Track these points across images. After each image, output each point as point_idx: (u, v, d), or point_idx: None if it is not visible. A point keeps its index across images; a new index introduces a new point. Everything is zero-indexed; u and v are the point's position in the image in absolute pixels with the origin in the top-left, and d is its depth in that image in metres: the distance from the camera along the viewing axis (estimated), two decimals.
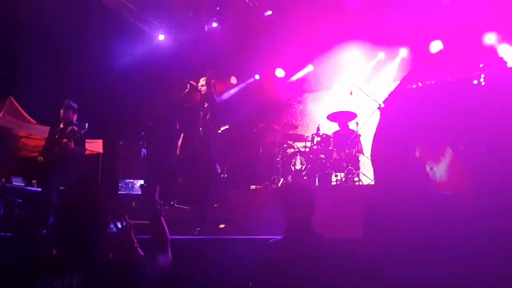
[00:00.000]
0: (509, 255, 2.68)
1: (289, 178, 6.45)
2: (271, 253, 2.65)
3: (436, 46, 8.40)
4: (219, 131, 6.05)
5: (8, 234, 4.48)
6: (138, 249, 2.19)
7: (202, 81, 5.66)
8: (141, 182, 2.08)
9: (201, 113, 5.55)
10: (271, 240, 2.77)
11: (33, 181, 6.40)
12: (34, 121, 8.36)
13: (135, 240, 2.19)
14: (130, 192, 7.54)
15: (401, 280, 2.80)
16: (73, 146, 5.69)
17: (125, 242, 2.17)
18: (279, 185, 6.35)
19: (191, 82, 5.59)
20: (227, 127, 7.37)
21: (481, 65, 4.63)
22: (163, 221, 2.31)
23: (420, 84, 5.61)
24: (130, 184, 7.68)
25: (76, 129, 5.87)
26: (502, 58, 7.45)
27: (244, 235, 4.30)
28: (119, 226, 2.21)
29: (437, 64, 8.02)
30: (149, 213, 2.32)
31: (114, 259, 1.97)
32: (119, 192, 7.46)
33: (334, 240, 3.01)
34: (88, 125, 5.98)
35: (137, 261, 2.02)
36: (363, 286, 2.63)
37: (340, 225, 4.41)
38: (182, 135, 5.99)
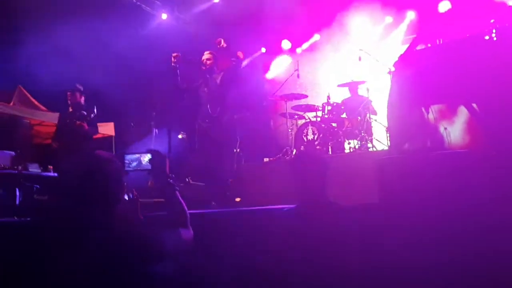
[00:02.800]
0: None
1: (302, 149, 6.43)
2: (285, 221, 2.66)
3: (444, 5, 8.21)
4: (236, 116, 6.06)
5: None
6: (143, 223, 2.16)
7: (207, 54, 5.62)
8: (149, 156, 2.06)
9: (206, 89, 5.52)
10: (285, 209, 2.77)
11: (49, 166, 6.48)
12: (44, 108, 8.40)
13: (141, 215, 2.15)
14: (138, 168, 7.47)
15: (420, 241, 2.80)
16: (86, 127, 5.73)
17: (130, 215, 2.14)
18: (293, 155, 6.35)
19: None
20: (247, 114, 7.37)
21: (492, 21, 4.51)
22: (179, 196, 2.21)
23: (429, 45, 5.50)
24: (137, 161, 7.59)
25: (85, 113, 5.90)
26: None
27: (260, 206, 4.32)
28: (126, 198, 2.18)
29: (447, 23, 7.84)
30: (162, 189, 2.22)
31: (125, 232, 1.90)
32: (126, 169, 7.37)
33: (350, 206, 3.01)
34: (96, 108, 6.01)
35: (152, 236, 1.93)
36: (381, 250, 2.63)
37: (356, 192, 4.41)
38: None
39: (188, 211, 2.22)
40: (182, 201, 2.22)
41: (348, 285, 2.29)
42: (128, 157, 7.94)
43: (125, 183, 2.06)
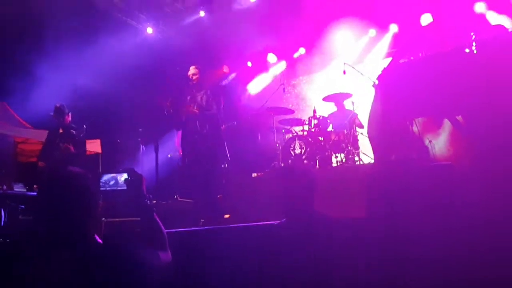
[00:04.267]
0: (508, 220, 2.70)
1: (289, 163, 6.45)
2: (274, 237, 2.66)
3: (426, 19, 8.37)
4: (223, 127, 6.04)
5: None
6: (150, 203, 2.09)
7: (193, 69, 5.63)
8: (125, 176, 2.01)
9: (195, 106, 5.52)
10: (274, 224, 2.77)
11: (34, 186, 6.39)
12: (29, 126, 8.33)
13: (146, 195, 2.08)
14: (115, 188, 7.37)
15: (407, 254, 2.82)
16: (73, 149, 5.68)
17: (135, 196, 2.09)
18: (280, 169, 6.36)
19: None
20: (234, 123, 7.37)
21: (472, 34, 4.62)
22: (156, 217, 2.12)
23: (412, 58, 5.59)
24: (113, 180, 7.57)
25: (75, 133, 5.85)
26: (491, 25, 7.42)
27: (250, 222, 4.31)
28: (129, 179, 2.11)
29: (429, 36, 7.99)
30: (139, 210, 2.11)
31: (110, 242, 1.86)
32: (101, 189, 7.20)
33: (339, 220, 3.02)
34: (85, 127, 5.97)
35: (136, 255, 1.86)
36: (370, 263, 2.64)
37: (343, 206, 4.42)
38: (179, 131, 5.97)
39: (166, 231, 2.15)
40: (159, 222, 2.13)
41: None
42: (105, 176, 7.93)
43: (99, 201, 2.00)
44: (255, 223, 3.78)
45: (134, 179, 2.12)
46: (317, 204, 2.70)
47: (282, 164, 6.55)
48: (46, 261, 1.73)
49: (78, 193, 1.84)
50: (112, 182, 7.40)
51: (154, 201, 2.10)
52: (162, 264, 1.98)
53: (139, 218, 2.12)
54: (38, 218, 1.90)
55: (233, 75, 10.06)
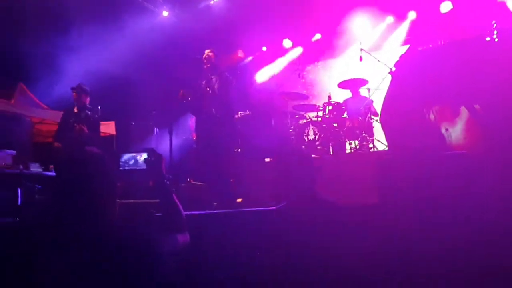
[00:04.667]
0: None
1: (302, 148, 6.44)
2: (274, 222, 2.66)
3: (446, 6, 8.21)
4: (237, 116, 6.01)
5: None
6: (169, 184, 2.10)
7: (208, 52, 5.60)
8: (145, 155, 1.99)
9: (209, 90, 5.50)
10: (275, 209, 2.76)
11: (50, 166, 6.47)
12: (45, 106, 8.41)
13: (166, 175, 2.09)
14: (135, 167, 7.50)
15: (419, 242, 2.80)
16: (86, 131, 5.72)
17: (154, 175, 2.08)
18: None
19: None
20: (248, 112, 7.35)
21: (493, 22, 4.52)
22: (175, 197, 2.12)
23: (431, 46, 5.51)
24: (133, 159, 7.62)
25: (90, 114, 5.88)
26: None
27: (261, 207, 4.32)
28: (149, 159, 2.11)
29: (448, 24, 7.84)
30: (158, 190, 2.11)
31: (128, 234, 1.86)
32: (120, 169, 7.30)
33: (348, 206, 3.01)
34: (100, 108, 5.99)
35: (152, 239, 1.86)
36: (380, 250, 2.63)
37: (357, 192, 4.41)
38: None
39: (184, 213, 2.14)
40: (178, 202, 2.13)
41: (342, 284, 2.29)
42: (125, 156, 7.96)
43: (117, 182, 2.00)
44: (257, 208, 3.80)
45: (154, 159, 2.12)
46: (328, 190, 2.70)
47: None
48: (63, 244, 1.73)
49: (95, 174, 1.84)
50: (132, 162, 7.47)
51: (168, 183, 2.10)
52: (180, 246, 1.98)
53: (156, 200, 2.13)
54: (55, 199, 1.91)
55: (249, 59, 10.00)
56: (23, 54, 7.57)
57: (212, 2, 9.18)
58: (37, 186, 5.96)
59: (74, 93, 5.94)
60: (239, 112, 7.21)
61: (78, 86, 5.98)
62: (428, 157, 3.26)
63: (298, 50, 9.91)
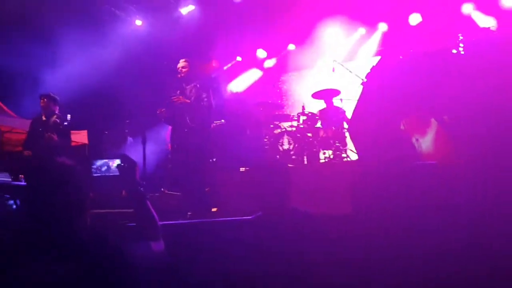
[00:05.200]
0: (494, 222, 2.75)
1: (277, 158, 6.48)
2: (248, 233, 2.66)
3: (415, 18, 8.45)
4: (214, 124, 5.97)
5: None
6: (143, 191, 2.06)
7: (182, 62, 5.59)
8: (118, 162, 1.94)
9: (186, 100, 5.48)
10: (249, 219, 2.76)
11: (20, 175, 6.32)
12: (15, 115, 8.23)
13: (139, 182, 2.05)
14: (107, 174, 7.32)
15: (392, 251, 2.85)
16: (56, 138, 5.63)
17: (127, 182, 2.05)
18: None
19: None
20: (222, 121, 7.35)
21: (459, 35, 4.67)
22: (149, 205, 2.08)
23: (401, 57, 5.64)
24: (106, 166, 7.47)
25: (58, 121, 5.80)
26: (479, 26, 7.53)
27: (237, 217, 4.33)
28: (122, 165, 2.07)
29: (417, 36, 8.07)
30: (131, 197, 2.07)
31: (98, 244, 1.82)
32: (94, 175, 7.19)
33: (322, 215, 3.04)
34: (70, 116, 5.91)
35: (124, 247, 1.82)
36: (347, 260, 2.65)
37: (330, 202, 4.47)
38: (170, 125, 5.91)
39: (159, 222, 2.12)
40: (153, 210, 2.09)
41: None
42: (98, 162, 7.83)
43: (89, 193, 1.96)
44: (231, 218, 3.80)
45: (127, 165, 2.08)
46: (302, 200, 2.72)
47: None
48: (32, 257, 1.69)
49: (65, 184, 1.80)
50: (104, 168, 7.34)
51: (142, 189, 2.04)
52: (154, 254, 1.96)
53: (129, 210, 2.10)
54: (24, 208, 1.87)
55: (225, 68, 10.02)
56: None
57: (184, 12, 9.15)
58: (6, 195, 5.81)
59: (42, 100, 5.86)
60: (214, 122, 7.21)
61: (47, 94, 5.89)
62: (398, 168, 3.33)
63: (272, 61, 9.99)
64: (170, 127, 5.76)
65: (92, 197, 5.27)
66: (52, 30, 7.54)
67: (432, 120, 4.42)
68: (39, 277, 1.65)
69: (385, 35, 9.00)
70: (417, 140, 4.21)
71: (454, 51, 4.62)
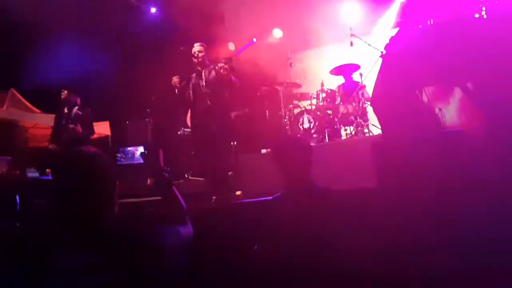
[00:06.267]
0: None
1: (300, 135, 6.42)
2: (270, 211, 2.64)
3: None
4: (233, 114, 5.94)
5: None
6: (168, 177, 2.07)
7: (198, 46, 5.54)
8: (141, 149, 1.94)
9: (203, 83, 5.47)
10: (270, 198, 2.74)
11: (47, 170, 6.45)
12: (38, 111, 8.38)
13: (164, 167, 2.05)
14: (131, 162, 7.44)
15: (414, 228, 2.80)
16: (80, 130, 5.71)
17: (152, 169, 2.06)
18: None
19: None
20: (246, 110, 7.30)
21: None
22: (175, 190, 2.09)
23: (420, 27, 5.48)
24: (130, 154, 7.52)
25: (80, 112, 5.87)
26: None
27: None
28: (145, 153, 2.09)
29: (437, 3, 7.81)
30: (157, 184, 2.08)
31: (128, 231, 1.82)
32: (118, 163, 7.31)
33: (348, 191, 3.00)
34: (91, 107, 5.98)
35: (155, 232, 1.84)
36: (373, 236, 2.61)
37: (354, 178, 4.41)
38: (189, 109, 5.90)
39: (185, 206, 2.12)
40: (179, 195, 2.10)
41: (343, 271, 2.28)
42: (122, 150, 7.92)
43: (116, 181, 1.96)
44: (256, 199, 3.79)
45: (151, 153, 2.10)
46: (325, 178, 2.68)
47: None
48: (62, 247, 1.71)
49: (92, 173, 1.80)
50: (128, 156, 7.43)
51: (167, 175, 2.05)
52: (183, 239, 1.95)
53: (155, 198, 2.12)
54: (54, 202, 1.88)
55: (240, 49, 9.94)
56: (13, 57, 7.52)
57: None
58: (34, 190, 5.95)
59: (62, 93, 5.93)
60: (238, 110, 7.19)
61: (68, 88, 5.96)
62: (422, 139, 3.26)
63: (288, 39, 9.84)
64: (189, 112, 5.75)
65: (118, 185, 5.37)
66: (69, 24, 7.60)
67: (455, 88, 4.30)
68: (69, 267, 1.67)
69: (403, 6, 8.75)
70: (440, 110, 4.10)
71: (477, 15, 4.46)
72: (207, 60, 5.57)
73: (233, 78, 5.31)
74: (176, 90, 5.52)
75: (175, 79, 5.54)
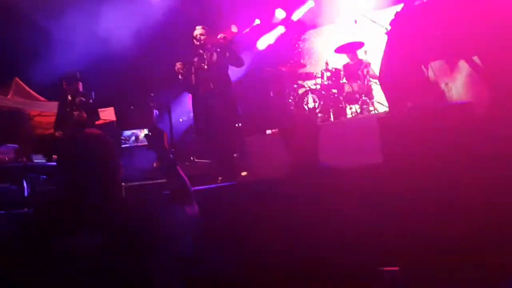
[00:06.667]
0: None
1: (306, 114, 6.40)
2: (275, 190, 2.61)
3: None
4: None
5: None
6: (173, 158, 2.09)
7: (199, 29, 5.50)
8: (145, 131, 1.93)
9: (205, 66, 5.43)
10: (277, 178, 2.71)
11: (54, 156, 6.49)
12: (43, 98, 8.39)
13: (168, 149, 2.08)
14: (135, 144, 7.44)
15: (427, 197, 2.77)
16: (85, 116, 5.71)
17: (157, 151, 2.08)
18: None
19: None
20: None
21: None
22: (180, 170, 2.10)
23: (425, 0, 5.39)
24: (134, 136, 7.54)
25: (84, 99, 5.86)
26: None
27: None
28: (150, 134, 2.10)
29: None
30: (162, 165, 2.12)
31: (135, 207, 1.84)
32: (122, 146, 7.37)
33: (350, 169, 2.96)
34: (94, 93, 5.97)
35: (161, 211, 1.90)
36: (381, 216, 2.59)
37: (360, 157, 4.39)
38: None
39: (191, 186, 2.14)
40: (184, 176, 2.11)
41: (350, 251, 2.27)
42: (125, 133, 7.98)
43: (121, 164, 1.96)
44: (259, 179, 3.78)
45: (155, 134, 2.10)
46: (331, 156, 2.65)
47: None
48: (71, 230, 1.72)
49: (96, 154, 1.81)
50: (132, 139, 7.46)
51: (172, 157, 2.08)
52: (189, 218, 1.98)
53: (160, 180, 2.14)
54: (60, 186, 1.89)
55: (245, 31, 9.86)
56: (16, 45, 7.50)
57: None
58: (42, 176, 6.00)
59: (64, 81, 5.92)
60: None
61: (67, 75, 5.95)
62: (430, 114, 3.21)
63: (292, 19, 9.72)
64: (191, 96, 5.73)
65: (123, 168, 5.39)
66: (74, 6, 7.54)
67: (462, 63, 4.23)
68: (75, 249, 1.68)
69: None
70: (446, 84, 4.05)
71: None
72: (208, 43, 5.52)
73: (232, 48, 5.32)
74: (180, 75, 5.49)
75: (178, 65, 5.50)
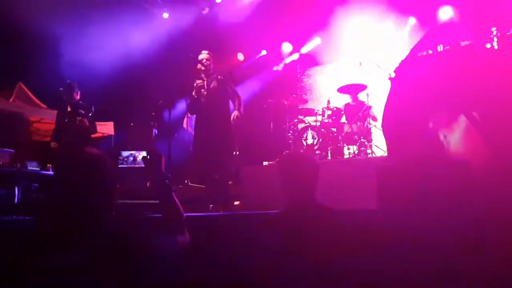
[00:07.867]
0: None
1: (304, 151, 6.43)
2: (271, 227, 2.61)
3: (445, 11, 8.22)
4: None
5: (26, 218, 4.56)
6: (168, 183, 2.06)
7: (204, 54, 5.54)
8: (144, 154, 1.95)
9: (205, 92, 5.44)
10: (272, 214, 2.71)
11: (48, 165, 6.47)
12: (44, 106, 8.41)
13: (165, 174, 2.05)
14: (132, 165, 7.42)
15: (417, 248, 2.79)
16: (87, 123, 5.72)
17: (153, 174, 2.04)
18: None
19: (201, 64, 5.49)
20: None
21: (493, 29, 4.53)
22: (175, 197, 2.06)
23: (431, 52, 5.51)
24: (132, 157, 7.55)
25: (83, 112, 5.86)
26: None
27: (258, 210, 4.31)
28: (147, 158, 2.07)
29: (449, 30, 7.86)
30: (157, 190, 2.07)
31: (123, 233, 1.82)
32: (119, 166, 7.41)
33: (346, 211, 2.98)
34: (94, 107, 5.98)
35: (150, 239, 1.87)
36: (372, 259, 2.60)
37: (354, 198, 4.41)
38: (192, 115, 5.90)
39: (184, 214, 2.10)
40: (178, 203, 2.08)
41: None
42: (124, 153, 7.95)
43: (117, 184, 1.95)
44: (265, 212, 3.78)
45: (153, 158, 2.07)
46: (319, 194, 2.66)
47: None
48: (58, 248, 1.68)
49: (93, 175, 1.79)
50: (130, 159, 7.48)
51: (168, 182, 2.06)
52: (179, 247, 1.94)
53: (154, 201, 2.10)
54: (52, 199, 1.88)
55: (249, 61, 10.00)
56: (22, 53, 7.57)
57: (211, 4, 9.17)
58: (34, 184, 5.96)
59: (63, 92, 5.93)
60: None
61: (64, 86, 5.97)
62: (426, 165, 3.25)
63: (297, 54, 9.91)
64: (194, 117, 5.75)
65: (119, 187, 5.37)
66: (78, 21, 7.64)
67: (462, 116, 4.31)
68: (64, 266, 1.67)
69: (414, 29, 8.79)
70: (445, 136, 4.11)
71: (488, 45, 4.48)
72: (212, 68, 5.55)
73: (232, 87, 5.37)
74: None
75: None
